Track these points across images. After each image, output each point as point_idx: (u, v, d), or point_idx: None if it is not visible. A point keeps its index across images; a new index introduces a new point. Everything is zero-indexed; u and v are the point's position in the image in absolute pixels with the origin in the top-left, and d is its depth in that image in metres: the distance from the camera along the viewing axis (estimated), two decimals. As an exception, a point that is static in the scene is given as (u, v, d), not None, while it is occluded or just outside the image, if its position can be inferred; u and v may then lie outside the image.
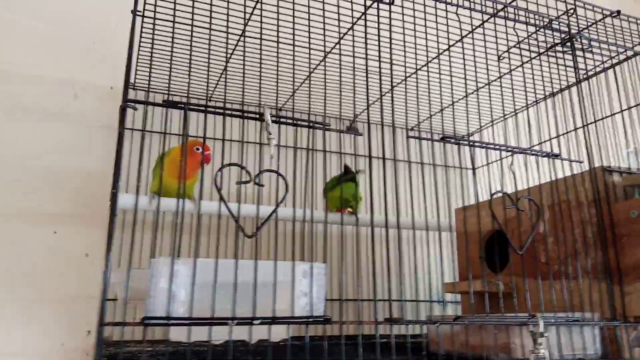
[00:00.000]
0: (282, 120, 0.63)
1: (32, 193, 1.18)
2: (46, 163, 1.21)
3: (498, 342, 0.77)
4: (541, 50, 0.98)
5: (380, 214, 0.71)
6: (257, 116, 0.62)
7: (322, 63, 0.78)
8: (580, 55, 0.98)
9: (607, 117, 1.05)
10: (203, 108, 0.60)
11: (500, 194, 0.75)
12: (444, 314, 1.25)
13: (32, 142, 1.21)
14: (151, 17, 0.96)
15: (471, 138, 1.59)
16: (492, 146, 0.75)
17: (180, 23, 0.73)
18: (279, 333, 0.62)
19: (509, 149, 0.76)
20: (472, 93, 1.09)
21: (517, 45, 0.99)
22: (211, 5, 0.76)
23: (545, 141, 1.03)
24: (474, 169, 0.77)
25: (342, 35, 0.91)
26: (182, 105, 0.60)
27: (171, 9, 0.76)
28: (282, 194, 0.61)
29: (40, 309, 1.13)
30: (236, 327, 0.57)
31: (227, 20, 0.78)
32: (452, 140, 0.73)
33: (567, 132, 0.95)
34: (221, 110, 0.61)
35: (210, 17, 0.74)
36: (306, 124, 0.65)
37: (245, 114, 0.62)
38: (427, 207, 0.77)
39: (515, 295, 0.91)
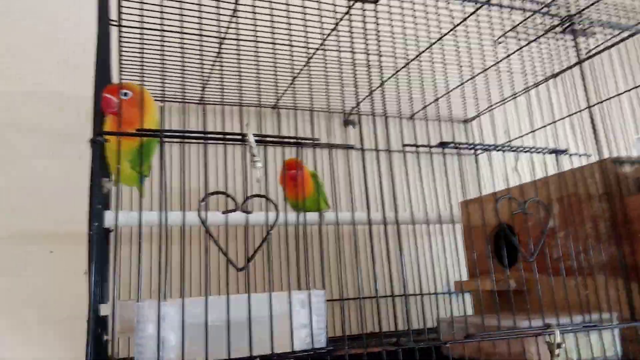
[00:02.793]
0: (267, 140, 0.59)
1: (25, 213, 1.15)
2: (38, 180, 1.18)
3: (512, 350, 0.74)
4: (540, 33, 0.92)
5: (378, 211, 0.67)
6: (240, 137, 0.58)
7: (312, 58, 0.73)
8: (582, 35, 0.93)
9: (612, 97, 1.00)
10: (180, 135, 0.56)
11: (506, 196, 0.71)
12: (452, 314, 1.23)
13: (24, 159, 1.18)
14: (131, 27, 0.91)
15: (474, 123, 1.54)
16: (493, 147, 0.70)
17: (166, 31, 0.68)
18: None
19: (513, 149, 0.72)
20: (467, 81, 1.04)
21: (515, 29, 0.93)
22: (200, 11, 0.71)
23: (548, 124, 0.98)
24: (478, 175, 0.73)
25: (328, 33, 0.86)
26: (158, 133, 0.55)
27: (154, 17, 0.71)
28: (273, 219, 0.57)
29: (43, 331, 1.11)
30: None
31: (196, 23, 0.73)
32: (452, 145, 0.68)
33: (571, 115, 0.91)
34: (201, 136, 0.57)
35: (200, 23, 0.69)
36: (293, 141, 0.60)
37: (227, 138, 0.58)
38: (426, 200, 0.73)
39: (527, 293, 0.87)
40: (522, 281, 0.88)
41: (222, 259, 0.55)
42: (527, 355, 0.71)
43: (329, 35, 0.89)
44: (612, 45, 1.03)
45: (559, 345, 0.64)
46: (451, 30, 0.88)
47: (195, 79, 1.03)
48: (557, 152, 0.74)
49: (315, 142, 0.62)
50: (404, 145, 0.64)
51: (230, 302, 0.54)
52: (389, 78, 1.14)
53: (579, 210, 0.82)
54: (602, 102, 0.91)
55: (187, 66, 0.74)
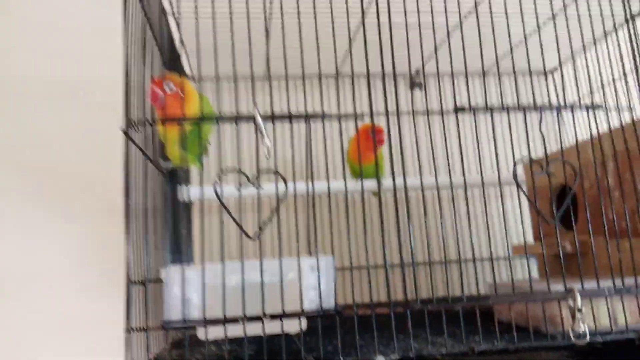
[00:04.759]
0: (276, 117, 0.64)
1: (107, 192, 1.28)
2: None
3: (547, 314, 0.73)
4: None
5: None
6: (249, 119, 0.63)
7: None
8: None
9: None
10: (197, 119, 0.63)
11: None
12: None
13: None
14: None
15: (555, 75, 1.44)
16: (512, 108, 0.68)
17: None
18: (292, 326, 0.64)
19: (539, 108, 0.69)
20: (530, 34, 0.98)
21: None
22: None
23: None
24: (527, 137, 0.71)
25: None
26: (177, 120, 0.63)
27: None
28: (282, 193, 0.62)
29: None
30: (252, 326, 0.60)
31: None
32: (467, 110, 0.68)
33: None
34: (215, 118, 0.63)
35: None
36: (302, 118, 0.64)
37: (238, 119, 0.64)
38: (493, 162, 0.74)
39: (582, 257, 0.83)
40: (575, 245, 0.84)
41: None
42: (560, 319, 0.70)
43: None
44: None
45: (579, 310, 0.63)
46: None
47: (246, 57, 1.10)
48: (589, 107, 0.70)
49: (325, 115, 0.65)
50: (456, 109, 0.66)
51: (244, 267, 0.60)
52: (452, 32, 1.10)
53: (632, 167, 0.76)
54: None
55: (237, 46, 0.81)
